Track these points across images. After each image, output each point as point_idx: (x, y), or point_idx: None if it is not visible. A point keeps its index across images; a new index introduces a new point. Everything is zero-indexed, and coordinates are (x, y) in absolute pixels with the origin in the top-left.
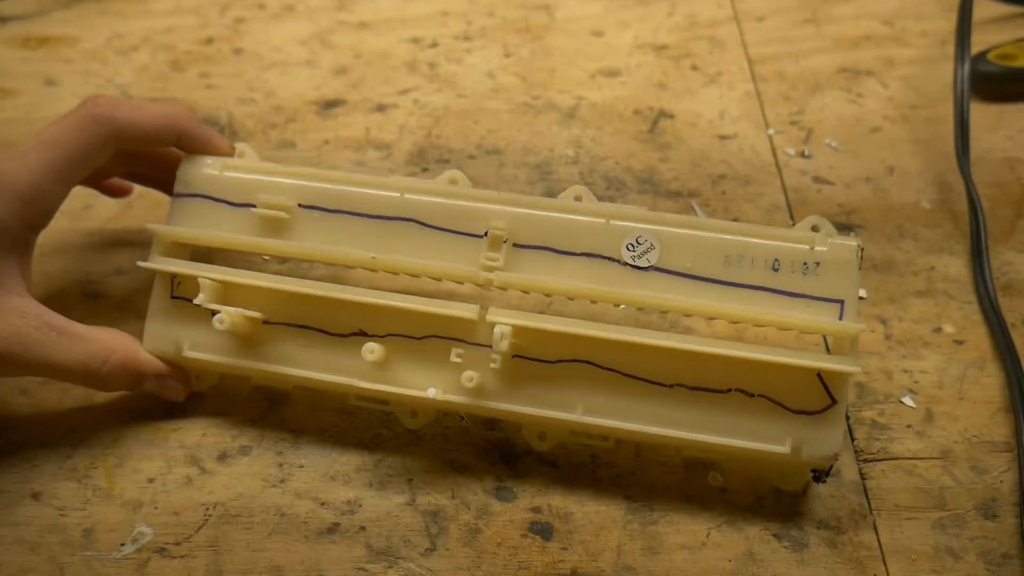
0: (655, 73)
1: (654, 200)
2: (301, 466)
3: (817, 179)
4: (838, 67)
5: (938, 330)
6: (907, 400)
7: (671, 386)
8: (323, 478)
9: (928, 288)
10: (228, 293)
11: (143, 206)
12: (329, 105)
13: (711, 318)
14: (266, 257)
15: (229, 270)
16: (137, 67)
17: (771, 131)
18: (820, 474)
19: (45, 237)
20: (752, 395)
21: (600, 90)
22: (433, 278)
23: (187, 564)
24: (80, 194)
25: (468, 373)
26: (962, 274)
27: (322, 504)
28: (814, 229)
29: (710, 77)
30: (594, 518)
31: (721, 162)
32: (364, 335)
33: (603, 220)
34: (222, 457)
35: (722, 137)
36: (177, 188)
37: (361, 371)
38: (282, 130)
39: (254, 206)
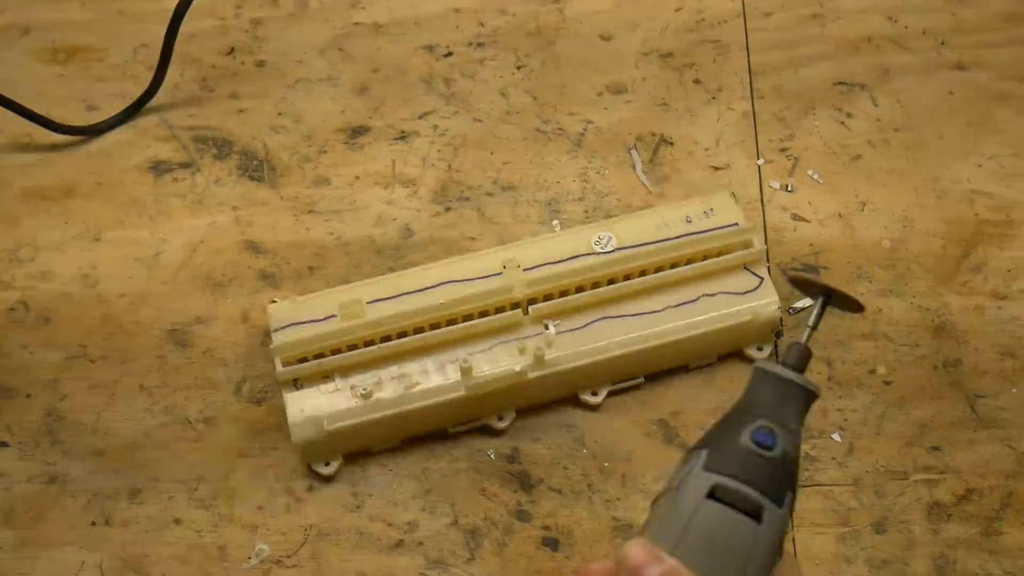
0: (659, 90)
1: None
2: (370, 495)
3: (795, 216)
4: (835, 79)
5: (872, 371)
6: (835, 436)
7: (663, 309)
8: (388, 504)
9: (872, 331)
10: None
11: (206, 252)
12: (355, 133)
13: (662, 266)
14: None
15: (339, 356)
16: (169, 86)
17: (760, 161)
18: (778, 329)
19: (129, 286)
20: (713, 295)
21: (606, 111)
22: (481, 307)
23: (298, 572)
24: (149, 240)
25: (535, 347)
26: (903, 316)
27: (389, 525)
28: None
29: (711, 93)
30: (589, 534)
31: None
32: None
33: (576, 232)
34: (310, 488)
35: (715, 168)
36: (272, 326)
37: (458, 386)
38: (315, 163)
39: (334, 316)
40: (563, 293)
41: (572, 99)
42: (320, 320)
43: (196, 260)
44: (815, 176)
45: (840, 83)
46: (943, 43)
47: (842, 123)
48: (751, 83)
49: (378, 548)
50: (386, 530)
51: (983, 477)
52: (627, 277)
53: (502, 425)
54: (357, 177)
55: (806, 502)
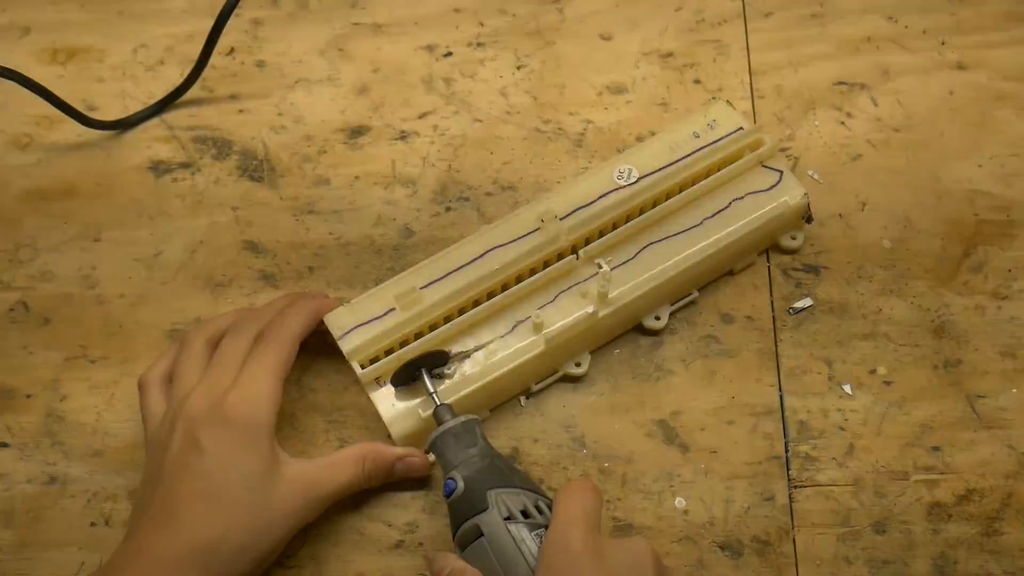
0: (659, 89)
1: None
2: (370, 495)
3: None
4: (835, 79)
5: (873, 371)
6: (836, 436)
7: (701, 222)
8: (388, 504)
9: (872, 331)
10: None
11: (206, 252)
12: (355, 133)
13: (686, 184)
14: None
15: (412, 346)
16: (168, 85)
17: None
18: (807, 215)
19: (129, 286)
20: (742, 197)
21: (606, 111)
22: (531, 264)
23: (298, 573)
24: (149, 240)
25: (598, 287)
26: (903, 316)
27: (389, 525)
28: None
29: (711, 93)
30: None
31: None
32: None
33: (596, 172)
34: None
35: None
36: (336, 334)
37: (536, 343)
38: (315, 164)
39: (393, 309)
40: (603, 232)
41: (572, 99)
42: (381, 316)
43: (196, 260)
44: (815, 176)
45: (840, 83)
46: (943, 43)
47: (842, 123)
48: (751, 83)
49: (378, 548)
50: (386, 531)
51: (983, 477)
52: (657, 203)
53: (579, 371)
54: (357, 177)
55: (806, 502)
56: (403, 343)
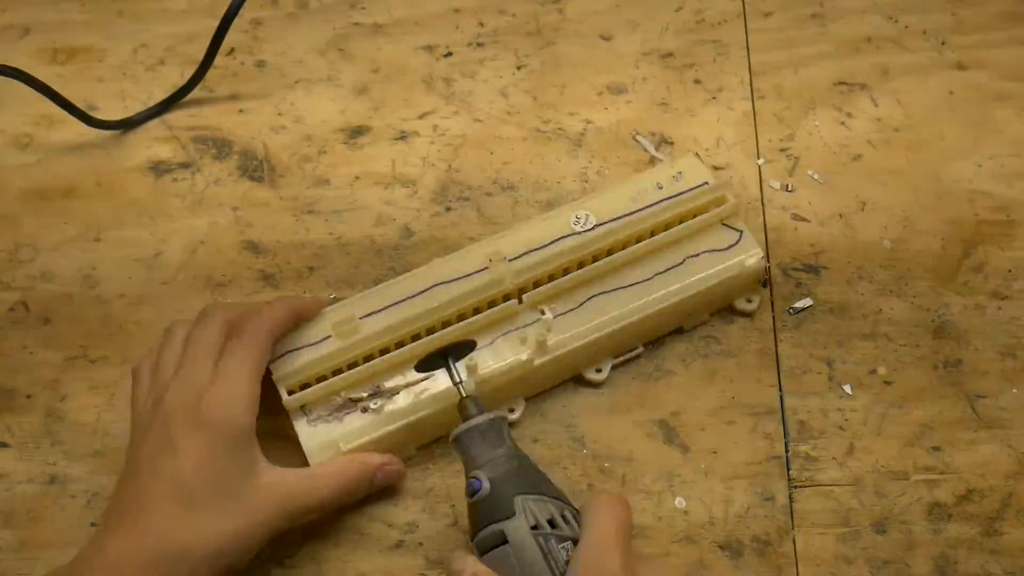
0: (659, 89)
1: None
2: (370, 495)
3: (795, 216)
4: (835, 79)
5: (873, 372)
6: (836, 436)
7: (652, 277)
8: (388, 504)
9: (873, 331)
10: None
11: (206, 252)
12: (355, 133)
13: (643, 236)
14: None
15: (343, 376)
16: (168, 86)
17: (760, 160)
18: (764, 279)
19: (129, 287)
20: (697, 255)
21: (606, 111)
22: (474, 304)
23: (298, 573)
24: (149, 241)
25: (536, 334)
26: (904, 317)
27: (389, 525)
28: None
29: (711, 93)
30: None
31: None
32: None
33: (554, 216)
34: None
35: (716, 168)
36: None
37: (467, 385)
38: (315, 164)
39: (330, 336)
40: (552, 277)
41: (572, 99)
42: (317, 343)
43: (196, 260)
44: (815, 176)
45: (840, 83)
46: (943, 43)
47: (842, 123)
48: (751, 83)
49: (378, 548)
50: (386, 531)
51: (983, 477)
52: (611, 251)
53: (514, 416)
54: (357, 177)
55: (806, 502)
56: (336, 372)
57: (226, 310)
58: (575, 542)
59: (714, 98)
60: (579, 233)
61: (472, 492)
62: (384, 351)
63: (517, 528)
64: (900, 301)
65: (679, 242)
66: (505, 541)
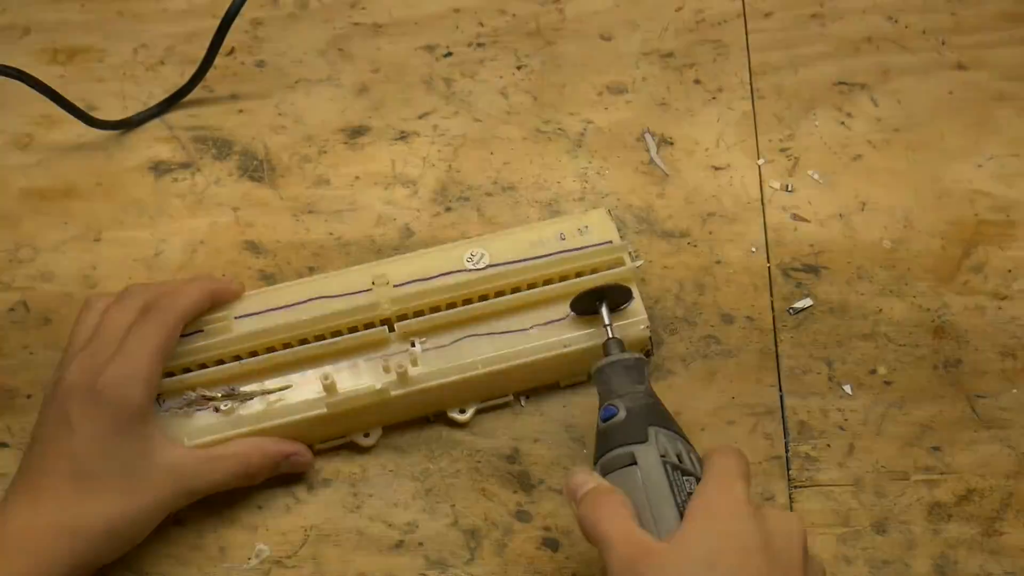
0: (659, 89)
1: (650, 241)
2: (370, 495)
3: (795, 216)
4: (835, 79)
5: (873, 372)
6: (836, 436)
7: (531, 327)
8: (387, 504)
9: (872, 331)
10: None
11: (206, 252)
12: (355, 133)
13: (534, 284)
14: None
15: (202, 372)
16: (168, 86)
17: (761, 161)
18: (648, 348)
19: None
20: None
21: (607, 110)
22: (348, 324)
23: (298, 573)
24: (149, 241)
25: (398, 364)
26: (903, 317)
27: (389, 525)
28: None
29: (711, 93)
30: None
31: (712, 198)
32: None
33: (449, 249)
34: (311, 488)
35: (716, 168)
36: None
37: (318, 404)
38: (316, 164)
39: (201, 331)
40: (434, 310)
41: (572, 99)
42: (188, 335)
43: (196, 260)
44: (815, 176)
45: (840, 83)
46: (943, 43)
47: (842, 123)
48: (751, 83)
49: (378, 548)
50: (386, 530)
51: (983, 477)
52: (499, 294)
53: (368, 442)
54: (357, 177)
55: (806, 502)
56: (201, 366)
57: (146, 290)
58: (697, 480)
59: (714, 98)
60: (469, 271)
61: (607, 417)
62: (253, 354)
63: (648, 453)
64: (900, 301)
65: (566, 297)
66: (634, 463)
